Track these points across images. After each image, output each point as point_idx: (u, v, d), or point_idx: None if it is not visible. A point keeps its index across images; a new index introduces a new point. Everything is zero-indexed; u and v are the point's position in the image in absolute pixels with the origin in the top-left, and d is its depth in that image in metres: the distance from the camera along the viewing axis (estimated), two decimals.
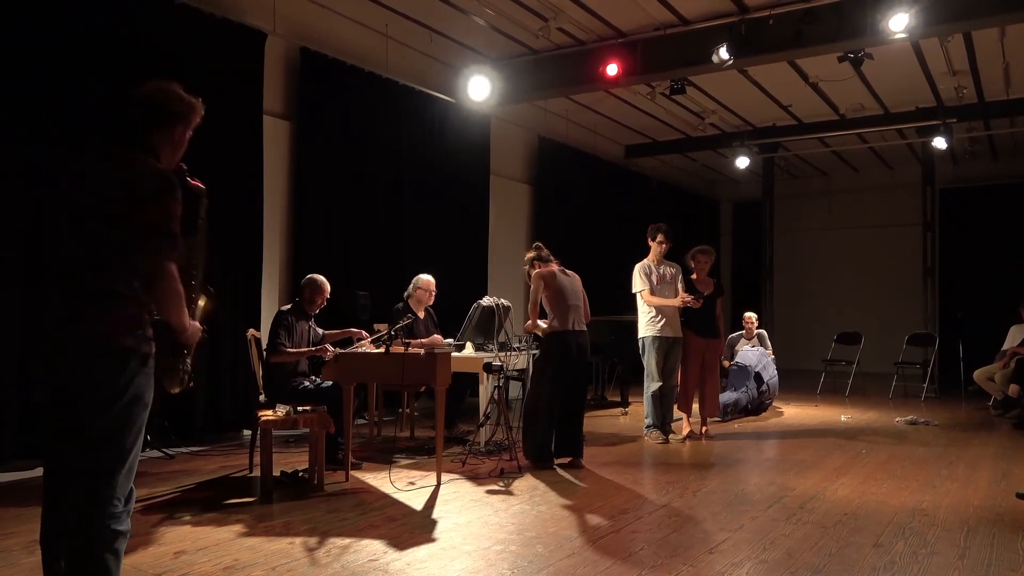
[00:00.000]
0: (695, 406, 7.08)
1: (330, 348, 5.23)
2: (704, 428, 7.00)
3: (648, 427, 6.73)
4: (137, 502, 2.41)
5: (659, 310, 6.57)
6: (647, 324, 6.63)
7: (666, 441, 6.59)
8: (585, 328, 5.62)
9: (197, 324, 2.50)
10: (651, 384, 6.63)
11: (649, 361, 6.61)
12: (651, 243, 6.76)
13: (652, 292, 6.58)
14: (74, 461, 2.24)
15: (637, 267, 6.71)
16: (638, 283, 6.65)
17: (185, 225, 2.57)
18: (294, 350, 5.21)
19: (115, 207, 2.25)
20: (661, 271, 6.68)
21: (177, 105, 2.44)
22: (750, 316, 9.38)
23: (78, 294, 2.25)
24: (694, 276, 6.93)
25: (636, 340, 6.77)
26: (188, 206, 2.57)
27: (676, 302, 6.55)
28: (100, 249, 2.25)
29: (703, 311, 6.68)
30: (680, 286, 6.67)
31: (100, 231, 2.25)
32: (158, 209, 2.26)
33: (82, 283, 2.25)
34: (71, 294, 2.26)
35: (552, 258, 5.71)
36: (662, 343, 6.58)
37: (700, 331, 6.81)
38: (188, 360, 2.55)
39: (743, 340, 9.30)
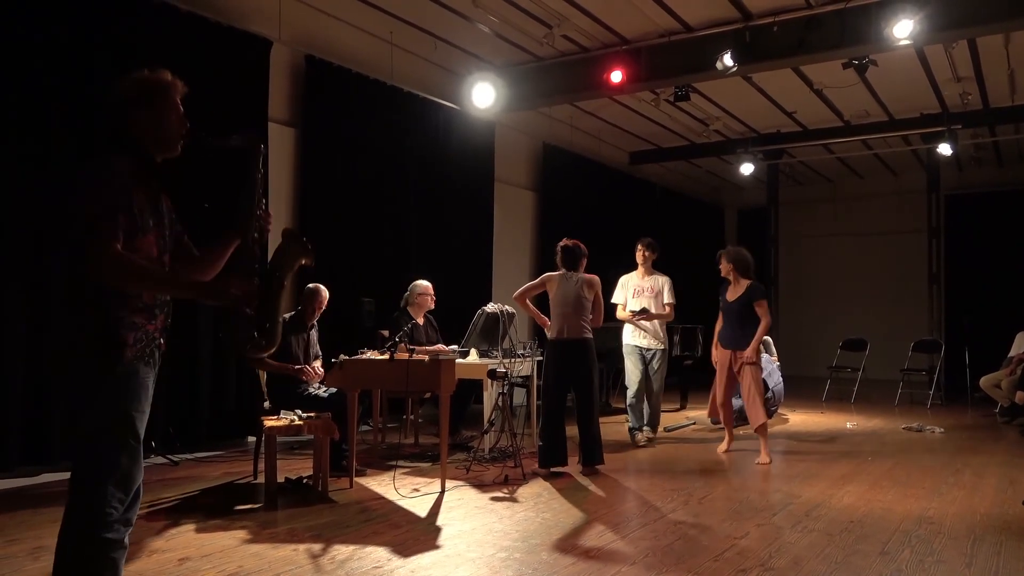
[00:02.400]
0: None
1: (308, 370, 5.24)
2: (725, 446, 6.52)
3: (630, 430, 6.91)
4: (141, 508, 2.40)
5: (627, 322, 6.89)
6: (625, 334, 6.93)
7: (643, 444, 6.80)
8: (577, 336, 5.55)
9: (214, 285, 2.35)
10: (628, 391, 6.89)
11: (625, 368, 6.92)
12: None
13: (625, 305, 6.86)
14: (72, 468, 2.25)
15: (621, 278, 7.00)
16: (615, 295, 6.93)
17: (243, 187, 2.54)
18: (274, 362, 5.15)
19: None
20: (640, 284, 6.90)
21: (131, 90, 2.34)
22: None
23: (62, 302, 2.24)
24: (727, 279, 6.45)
25: None
26: (239, 164, 2.54)
27: (625, 316, 6.82)
28: (69, 254, 2.24)
29: (728, 320, 6.30)
30: (655, 299, 6.82)
31: (67, 235, 2.25)
32: (79, 197, 2.18)
33: (64, 290, 2.24)
34: (61, 303, 2.25)
35: (561, 264, 5.75)
36: (632, 350, 6.84)
37: (724, 342, 6.35)
38: (257, 319, 2.40)
39: None
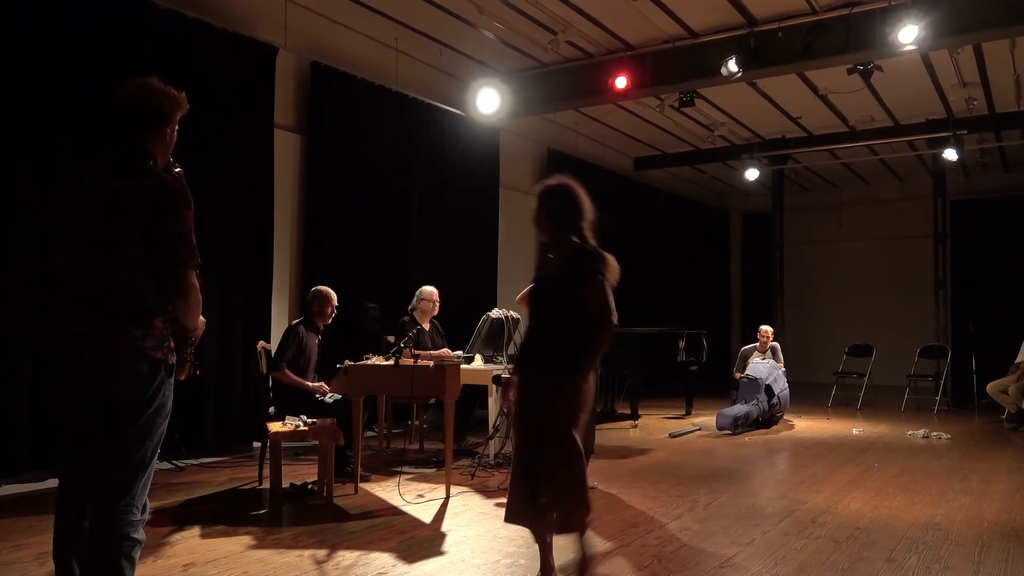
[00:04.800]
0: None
1: (327, 387, 5.26)
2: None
3: None
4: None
5: None
6: None
7: None
8: None
9: (202, 318, 2.52)
10: None
11: None
12: None
13: None
14: (99, 469, 2.27)
15: None
16: None
17: None
18: (294, 377, 5.20)
19: (137, 220, 2.25)
20: None
21: (165, 105, 2.43)
22: (767, 330, 9.32)
23: (108, 307, 2.25)
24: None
25: (646, 352, 6.77)
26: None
27: None
28: (125, 261, 2.25)
29: (540, 316, 3.32)
30: None
31: (121, 243, 2.25)
32: (179, 222, 2.28)
33: (112, 296, 2.26)
34: (101, 307, 2.26)
35: None
36: None
37: (527, 362, 3.31)
38: (193, 349, 2.60)
39: (757, 353, 9.24)
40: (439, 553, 3.71)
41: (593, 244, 3.22)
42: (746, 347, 9.46)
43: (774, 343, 9.38)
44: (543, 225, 3.32)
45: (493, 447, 5.97)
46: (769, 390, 8.39)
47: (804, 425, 8.74)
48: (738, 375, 8.90)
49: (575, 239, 3.24)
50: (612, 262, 3.12)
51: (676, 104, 9.14)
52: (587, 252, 3.19)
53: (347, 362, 5.12)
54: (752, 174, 11.83)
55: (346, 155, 7.40)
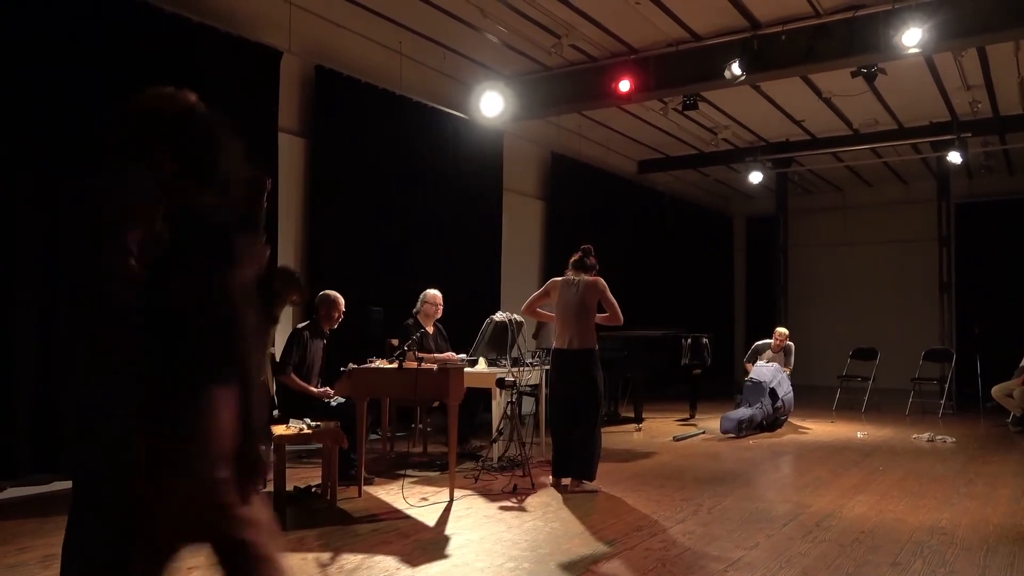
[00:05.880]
0: None
1: (331, 391, 5.28)
2: None
3: None
4: None
5: None
6: None
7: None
8: (577, 347, 5.27)
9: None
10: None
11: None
12: None
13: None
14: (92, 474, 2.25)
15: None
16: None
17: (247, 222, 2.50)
18: (300, 382, 5.21)
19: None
20: None
21: (169, 107, 2.35)
22: (783, 332, 9.32)
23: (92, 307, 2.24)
24: None
25: (650, 355, 6.70)
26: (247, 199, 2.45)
27: None
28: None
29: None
30: None
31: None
32: (107, 204, 2.03)
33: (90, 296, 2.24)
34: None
35: (571, 266, 5.56)
36: None
37: None
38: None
39: (770, 351, 9.24)
40: (443, 556, 3.71)
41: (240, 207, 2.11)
42: (760, 342, 9.47)
43: (789, 343, 9.37)
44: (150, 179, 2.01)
45: (497, 450, 5.97)
46: (773, 393, 8.38)
47: (808, 428, 8.73)
48: (748, 365, 8.95)
49: (206, 198, 2.03)
50: (259, 244, 2.08)
51: (679, 107, 9.14)
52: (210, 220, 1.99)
53: (351, 365, 5.12)
54: (756, 177, 11.83)
55: (350, 158, 7.40)
